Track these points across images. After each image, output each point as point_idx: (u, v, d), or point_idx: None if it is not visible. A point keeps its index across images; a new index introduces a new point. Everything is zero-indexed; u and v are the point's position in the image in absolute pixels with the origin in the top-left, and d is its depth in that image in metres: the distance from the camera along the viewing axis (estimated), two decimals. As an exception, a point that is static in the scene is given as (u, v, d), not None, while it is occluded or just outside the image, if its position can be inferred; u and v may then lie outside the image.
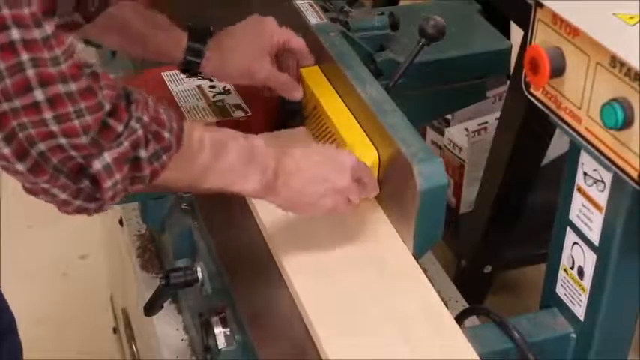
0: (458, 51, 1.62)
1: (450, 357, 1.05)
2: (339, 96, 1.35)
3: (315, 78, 1.39)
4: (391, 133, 1.20)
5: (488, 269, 1.99)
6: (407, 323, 1.09)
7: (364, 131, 1.27)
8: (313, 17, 1.47)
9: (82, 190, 0.97)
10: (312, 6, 1.50)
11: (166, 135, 1.01)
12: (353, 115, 1.31)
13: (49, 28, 0.89)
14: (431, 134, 2.16)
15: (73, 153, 0.93)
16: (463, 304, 1.34)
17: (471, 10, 1.76)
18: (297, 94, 1.38)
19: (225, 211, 1.30)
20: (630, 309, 1.21)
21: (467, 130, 2.07)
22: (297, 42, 1.39)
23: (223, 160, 1.09)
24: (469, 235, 2.00)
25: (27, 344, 1.46)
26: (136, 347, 1.80)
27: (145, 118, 0.98)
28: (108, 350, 2.27)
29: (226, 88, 1.50)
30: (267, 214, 1.24)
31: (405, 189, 1.17)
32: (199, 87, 1.50)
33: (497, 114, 1.94)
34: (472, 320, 1.27)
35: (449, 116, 2.10)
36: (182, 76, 1.52)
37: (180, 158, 1.04)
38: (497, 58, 1.66)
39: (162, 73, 1.53)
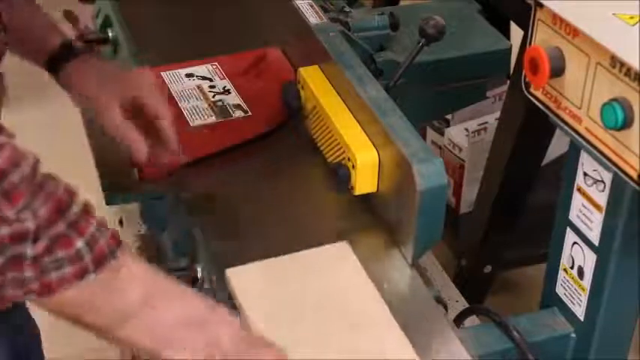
0: (458, 51, 1.62)
1: None
2: (339, 96, 1.35)
3: (315, 78, 1.39)
4: (391, 133, 1.20)
5: (488, 269, 1.99)
6: None
7: (364, 131, 1.27)
8: (313, 17, 1.47)
9: None
10: (312, 6, 1.50)
11: (79, 244, 0.86)
12: (353, 115, 1.31)
13: None
14: (431, 134, 2.16)
15: None
16: (463, 304, 1.34)
17: (471, 10, 1.76)
18: (140, 156, 1.22)
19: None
20: (630, 309, 1.21)
21: (467, 130, 2.07)
22: (160, 110, 1.25)
23: (158, 312, 0.92)
24: (469, 235, 2.00)
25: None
26: (136, 347, 1.80)
27: (43, 212, 0.84)
28: (114, 346, 2.26)
29: (226, 88, 1.50)
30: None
31: (405, 189, 1.17)
32: (199, 87, 1.50)
33: (497, 114, 1.94)
34: (472, 320, 1.27)
35: (449, 116, 2.10)
36: (182, 76, 1.53)
37: (97, 286, 0.88)
38: (497, 58, 1.66)
39: (162, 73, 1.53)
